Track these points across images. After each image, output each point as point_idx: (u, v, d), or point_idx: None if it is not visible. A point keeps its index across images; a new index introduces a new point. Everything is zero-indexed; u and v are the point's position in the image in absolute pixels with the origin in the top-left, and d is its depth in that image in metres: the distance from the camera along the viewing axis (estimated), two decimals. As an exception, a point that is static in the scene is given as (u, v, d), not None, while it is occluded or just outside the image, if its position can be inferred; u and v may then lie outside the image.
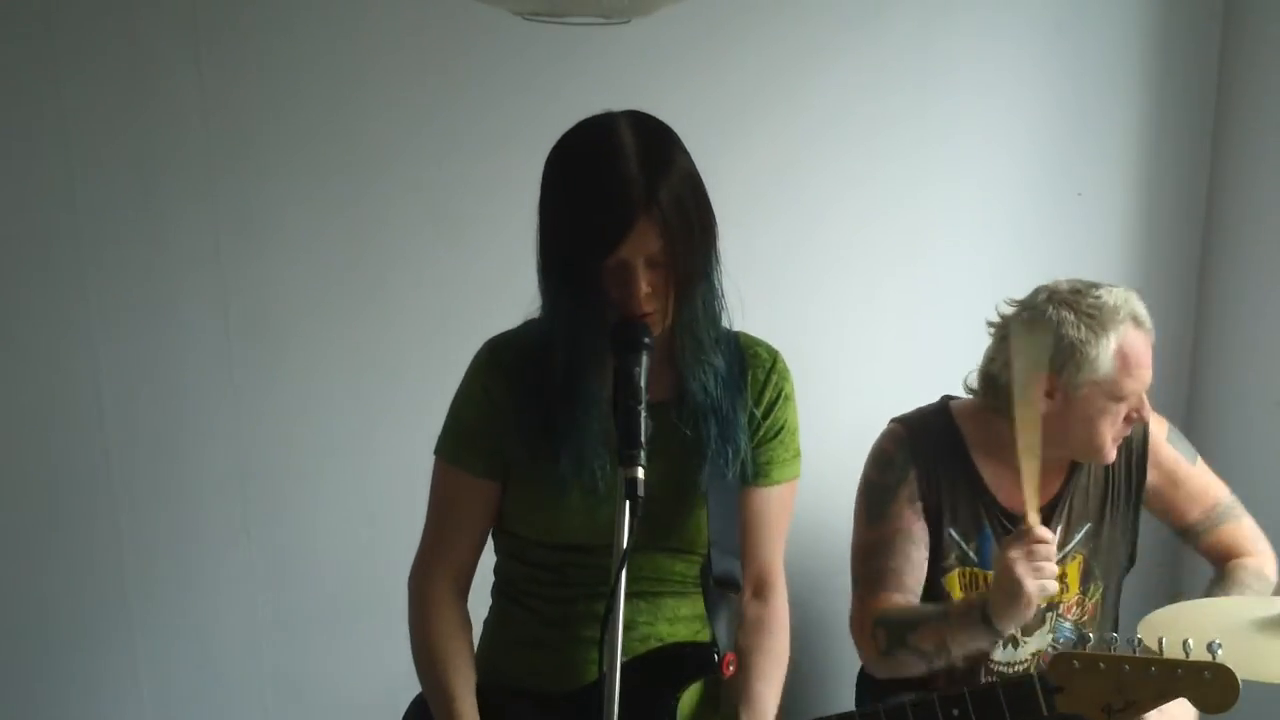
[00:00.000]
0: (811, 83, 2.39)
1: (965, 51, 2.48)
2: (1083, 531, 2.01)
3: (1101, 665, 1.40)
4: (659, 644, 1.54)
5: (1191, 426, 2.71)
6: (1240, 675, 1.41)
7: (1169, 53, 2.60)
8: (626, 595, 1.32)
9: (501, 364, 1.56)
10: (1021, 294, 1.96)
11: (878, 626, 1.89)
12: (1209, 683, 1.38)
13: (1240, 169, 2.62)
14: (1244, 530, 2.04)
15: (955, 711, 1.44)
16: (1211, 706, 1.39)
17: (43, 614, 2.16)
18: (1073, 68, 2.55)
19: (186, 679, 2.26)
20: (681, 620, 1.58)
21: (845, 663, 2.17)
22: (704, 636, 1.57)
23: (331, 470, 2.27)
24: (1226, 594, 1.93)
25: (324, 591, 2.31)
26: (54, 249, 2.05)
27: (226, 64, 2.08)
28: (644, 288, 1.40)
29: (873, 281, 2.52)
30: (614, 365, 1.40)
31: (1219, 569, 2.03)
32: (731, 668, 1.51)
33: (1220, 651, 1.40)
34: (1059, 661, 1.42)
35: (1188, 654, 1.40)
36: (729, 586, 1.54)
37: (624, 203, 1.36)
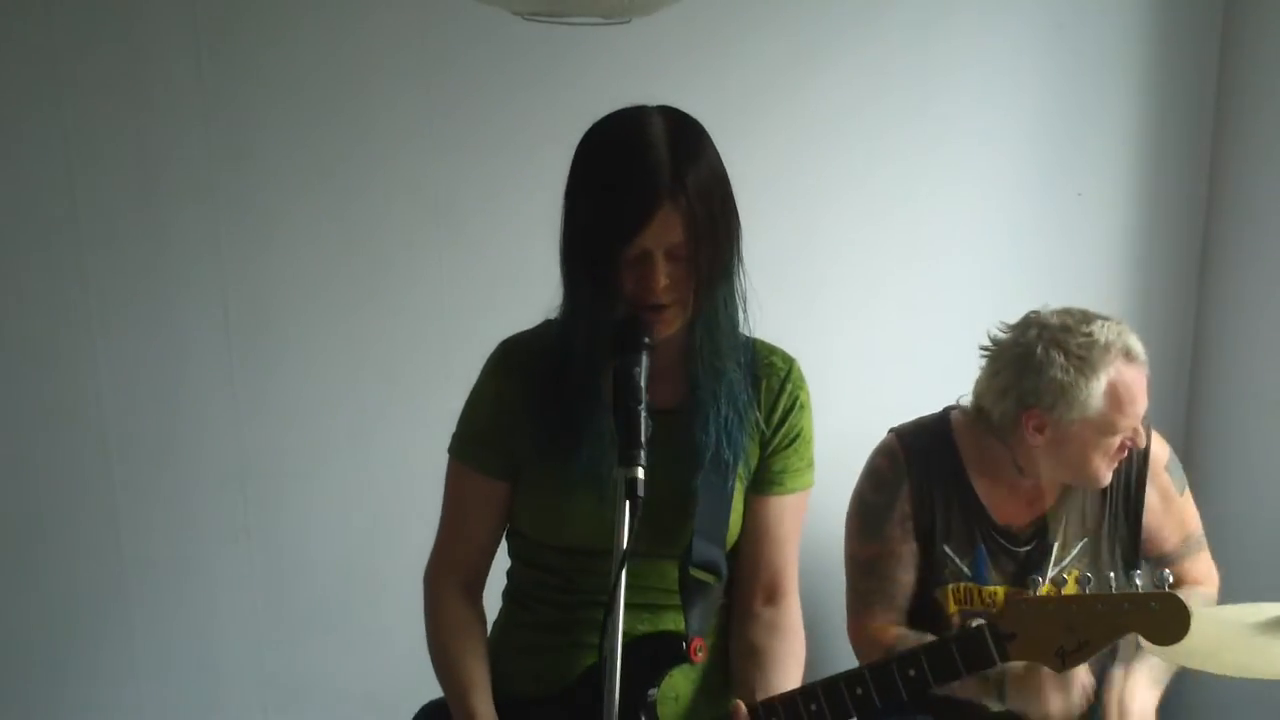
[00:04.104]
0: (811, 83, 2.39)
1: (965, 52, 2.47)
2: (1079, 546, 2.00)
3: (1050, 607, 1.38)
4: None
5: (1191, 427, 2.71)
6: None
7: (1169, 53, 2.60)
8: (629, 605, 1.30)
9: (515, 365, 1.55)
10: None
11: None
12: (1157, 613, 1.35)
13: (1240, 170, 2.62)
14: (1206, 562, 2.06)
15: (911, 672, 1.41)
16: (1163, 638, 1.37)
17: (42, 612, 2.16)
18: (1072, 68, 2.55)
19: (185, 678, 2.26)
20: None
21: (840, 663, 2.17)
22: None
23: (331, 469, 2.27)
24: None
25: (323, 590, 2.31)
26: (54, 247, 2.05)
27: (227, 62, 2.08)
28: (662, 280, 1.36)
29: (872, 282, 2.52)
30: (613, 365, 1.37)
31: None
32: (700, 654, 1.49)
33: (1170, 583, 1.39)
34: (1009, 608, 1.40)
35: (1136, 589, 1.39)
36: (709, 572, 1.51)
37: (648, 189, 1.33)
